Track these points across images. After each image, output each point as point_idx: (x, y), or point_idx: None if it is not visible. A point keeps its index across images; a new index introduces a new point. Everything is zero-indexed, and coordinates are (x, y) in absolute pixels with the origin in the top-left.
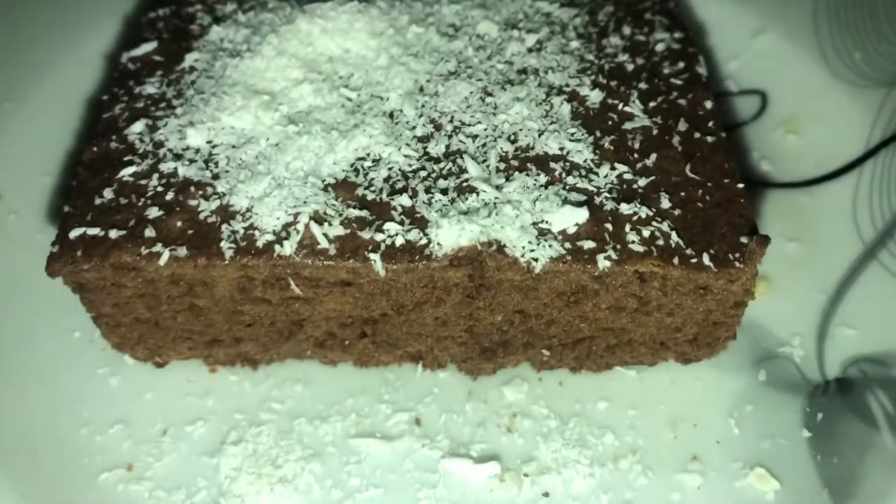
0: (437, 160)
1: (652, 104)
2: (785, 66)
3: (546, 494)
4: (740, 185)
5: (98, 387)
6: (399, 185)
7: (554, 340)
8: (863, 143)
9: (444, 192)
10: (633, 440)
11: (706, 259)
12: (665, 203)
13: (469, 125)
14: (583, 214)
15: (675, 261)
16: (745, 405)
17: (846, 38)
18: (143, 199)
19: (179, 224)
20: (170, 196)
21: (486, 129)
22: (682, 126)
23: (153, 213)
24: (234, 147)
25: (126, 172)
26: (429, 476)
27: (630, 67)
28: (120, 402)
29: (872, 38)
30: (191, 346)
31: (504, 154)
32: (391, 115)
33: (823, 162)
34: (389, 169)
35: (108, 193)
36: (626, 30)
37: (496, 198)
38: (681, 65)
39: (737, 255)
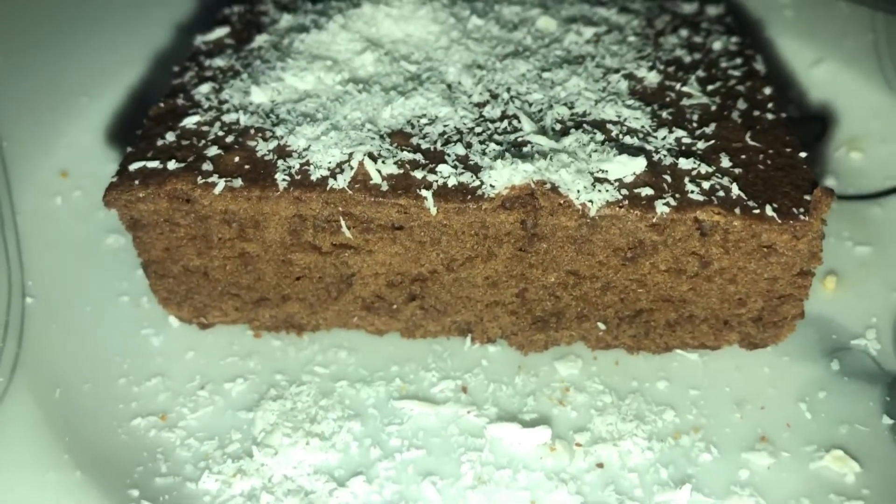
0: (492, 121)
1: (710, 87)
2: (846, 92)
3: (600, 465)
4: (802, 154)
5: (140, 344)
6: (454, 139)
7: (610, 311)
8: None
9: (500, 143)
10: (694, 418)
11: (769, 210)
12: (725, 162)
13: (526, 94)
14: (640, 163)
15: (737, 210)
16: (816, 391)
17: None
18: (203, 141)
19: (237, 160)
20: (230, 139)
21: (542, 98)
22: (742, 105)
23: (212, 151)
24: (295, 101)
25: (189, 121)
26: (474, 440)
27: (687, 60)
28: (160, 359)
29: None
30: (237, 305)
31: (560, 117)
32: (449, 86)
33: (893, 175)
34: (445, 126)
35: (170, 136)
36: (683, 32)
37: (552, 148)
38: (738, 60)
39: (801, 209)
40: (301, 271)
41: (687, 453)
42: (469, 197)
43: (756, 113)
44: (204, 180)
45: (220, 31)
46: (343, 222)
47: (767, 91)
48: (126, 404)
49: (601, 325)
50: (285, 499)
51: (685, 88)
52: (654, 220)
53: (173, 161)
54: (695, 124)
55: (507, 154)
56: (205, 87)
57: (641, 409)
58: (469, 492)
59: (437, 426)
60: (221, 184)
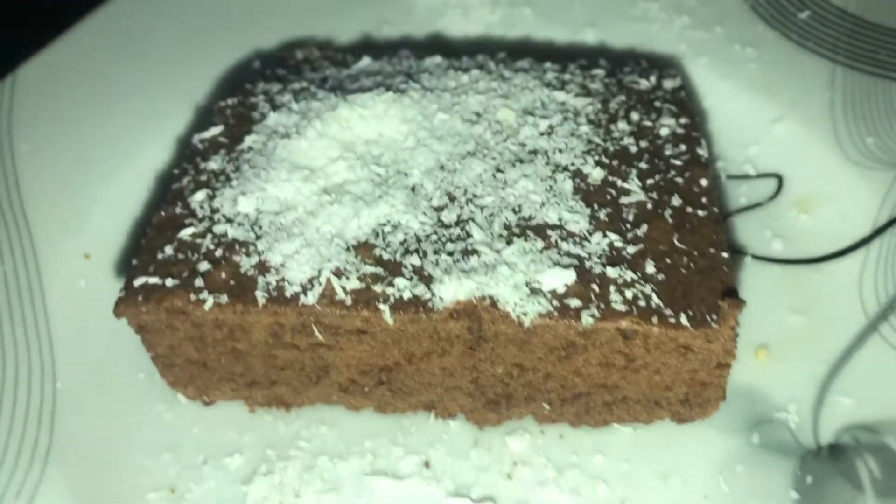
0: (447, 226)
1: (650, 181)
2: (801, 151)
3: None
4: (725, 255)
5: (154, 419)
6: (412, 248)
7: (553, 395)
8: (871, 222)
9: (451, 253)
10: (623, 491)
11: (683, 319)
12: (650, 269)
13: (480, 197)
14: (570, 276)
15: (654, 319)
16: (735, 465)
17: (860, 125)
18: (196, 255)
19: (223, 276)
20: (219, 253)
21: (493, 201)
22: (676, 201)
23: (203, 266)
24: (276, 213)
25: (185, 233)
26: None
27: (633, 149)
28: (171, 434)
29: (885, 124)
30: (233, 387)
31: (507, 222)
32: (413, 189)
33: (834, 240)
34: (405, 233)
35: (168, 250)
36: (635, 116)
37: (495, 259)
38: (682, 147)
39: (713, 316)
40: (284, 363)
41: None
42: (421, 308)
43: (689, 209)
44: (196, 297)
45: (215, 130)
46: (315, 329)
47: (704, 183)
48: (142, 478)
49: (546, 406)
50: None
51: (625, 185)
52: (581, 329)
53: (170, 279)
54: (629, 225)
55: (454, 269)
56: (200, 195)
57: (578, 483)
58: None
59: (400, 499)
60: (210, 300)
